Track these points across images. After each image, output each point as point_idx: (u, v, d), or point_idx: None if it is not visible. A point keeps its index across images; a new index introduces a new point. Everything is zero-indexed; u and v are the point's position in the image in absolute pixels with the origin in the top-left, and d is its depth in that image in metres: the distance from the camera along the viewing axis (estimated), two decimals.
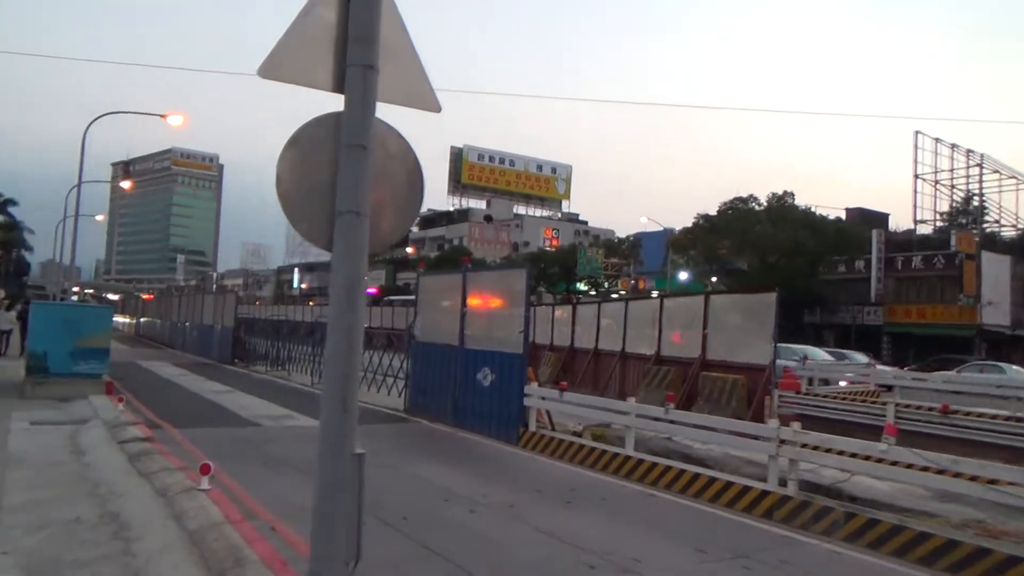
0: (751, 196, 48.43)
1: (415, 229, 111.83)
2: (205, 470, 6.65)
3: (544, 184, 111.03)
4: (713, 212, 49.16)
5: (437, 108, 3.69)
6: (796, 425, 7.60)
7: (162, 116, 26.12)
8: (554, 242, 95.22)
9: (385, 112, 3.34)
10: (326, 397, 3.19)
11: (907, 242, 48.86)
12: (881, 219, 58.19)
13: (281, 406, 14.56)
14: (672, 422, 9.37)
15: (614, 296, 59.47)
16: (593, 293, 62.97)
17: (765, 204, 47.87)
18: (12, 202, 73.63)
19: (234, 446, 10.02)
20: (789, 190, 47.61)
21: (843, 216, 53.85)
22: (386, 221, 3.51)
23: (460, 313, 12.89)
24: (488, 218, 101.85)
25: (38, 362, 14.34)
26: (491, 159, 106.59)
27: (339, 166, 3.21)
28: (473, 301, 12.75)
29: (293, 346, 23.43)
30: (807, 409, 14.45)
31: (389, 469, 8.90)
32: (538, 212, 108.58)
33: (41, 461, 8.47)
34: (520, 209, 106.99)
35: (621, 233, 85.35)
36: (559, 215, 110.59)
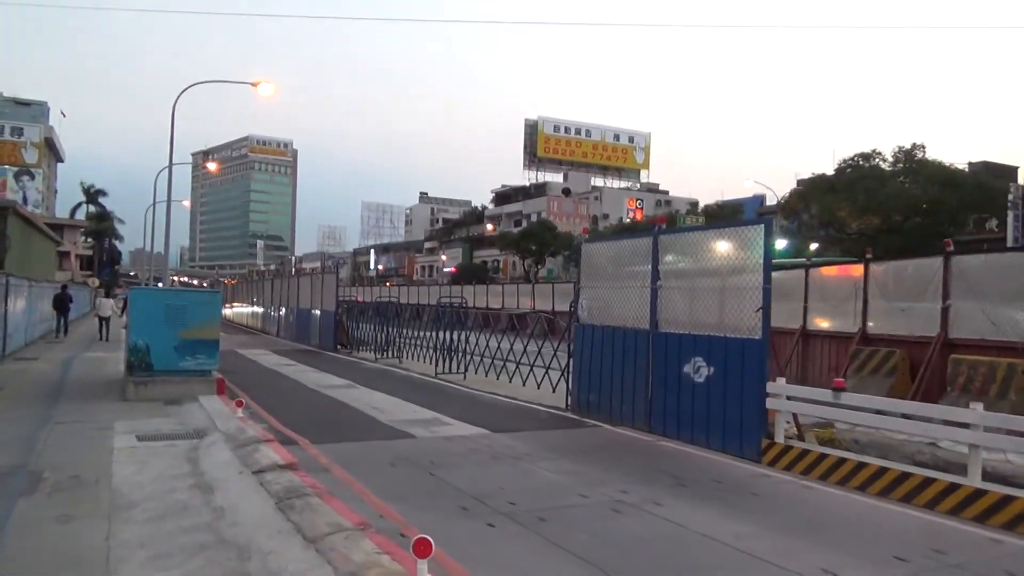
0: (875, 151, 43.77)
1: (490, 206, 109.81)
2: (422, 551, 4.06)
3: (622, 154, 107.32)
4: (807, 174, 44.89)
5: None
6: None
7: (253, 84, 24.17)
8: (638, 213, 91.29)
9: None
10: None
11: None
12: (1010, 172, 52.62)
13: (420, 405, 12.12)
14: None
15: None
16: None
17: (891, 159, 43.15)
18: (102, 192, 74.96)
19: (401, 474, 7.53)
20: (919, 142, 42.64)
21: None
22: None
23: (651, 288, 10.08)
24: (566, 191, 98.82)
25: (140, 358, 12.31)
26: (567, 130, 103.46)
27: None
28: (672, 271, 9.91)
29: (404, 331, 21.15)
30: None
31: (633, 511, 6.22)
32: (615, 183, 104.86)
33: (158, 505, 6.15)
34: (597, 181, 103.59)
35: (704, 203, 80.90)
36: (638, 185, 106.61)
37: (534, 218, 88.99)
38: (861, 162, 43.80)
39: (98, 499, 6.29)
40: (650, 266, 10.13)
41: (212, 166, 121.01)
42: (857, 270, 14.14)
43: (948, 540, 5.71)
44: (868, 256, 14.15)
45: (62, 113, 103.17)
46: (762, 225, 8.41)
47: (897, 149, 43.13)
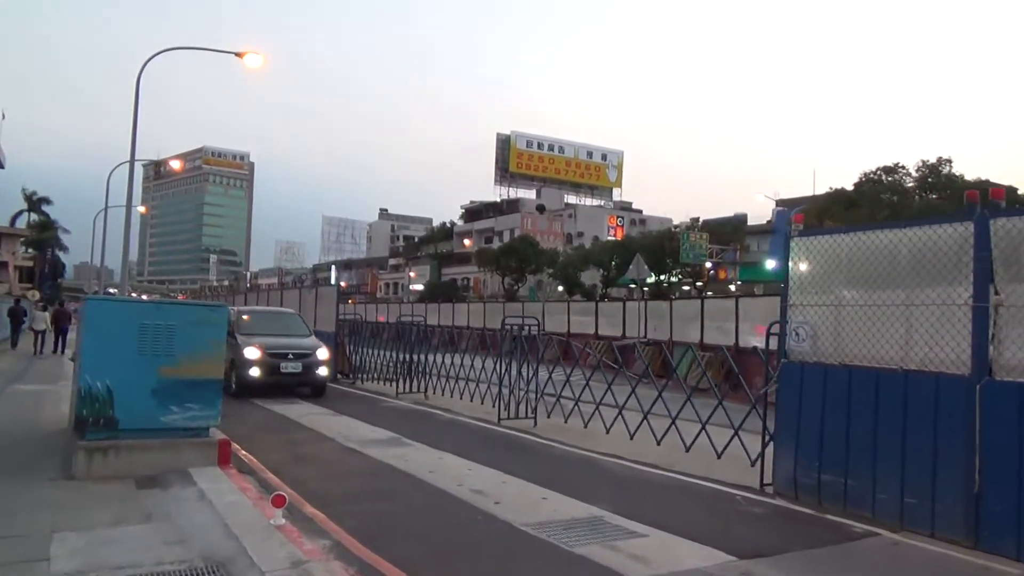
0: (898, 164, 41.08)
1: (459, 222, 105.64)
2: None
3: (595, 171, 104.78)
4: (786, 195, 42.13)
5: None
6: None
7: (238, 54, 19.75)
8: (619, 231, 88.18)
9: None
10: None
11: None
12: (1010, 193, 50.98)
13: (540, 485, 7.84)
14: None
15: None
16: (687, 286, 55.85)
17: (915, 174, 40.51)
18: (46, 200, 68.52)
19: None
20: (945, 156, 40.03)
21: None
22: None
23: (973, 308, 6.11)
24: (540, 208, 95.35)
25: (98, 410, 7.78)
26: (540, 146, 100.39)
27: None
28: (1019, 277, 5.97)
29: (428, 358, 16.83)
30: None
31: None
32: (588, 201, 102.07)
33: None
34: (570, 198, 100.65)
35: (677, 221, 78.10)
36: (611, 203, 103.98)
37: (506, 235, 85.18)
38: (884, 176, 41.09)
39: None
40: (972, 272, 6.17)
41: (176, 164, 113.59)
42: None
43: None
44: None
45: (2, 115, 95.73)
46: None
47: (921, 164, 40.53)
